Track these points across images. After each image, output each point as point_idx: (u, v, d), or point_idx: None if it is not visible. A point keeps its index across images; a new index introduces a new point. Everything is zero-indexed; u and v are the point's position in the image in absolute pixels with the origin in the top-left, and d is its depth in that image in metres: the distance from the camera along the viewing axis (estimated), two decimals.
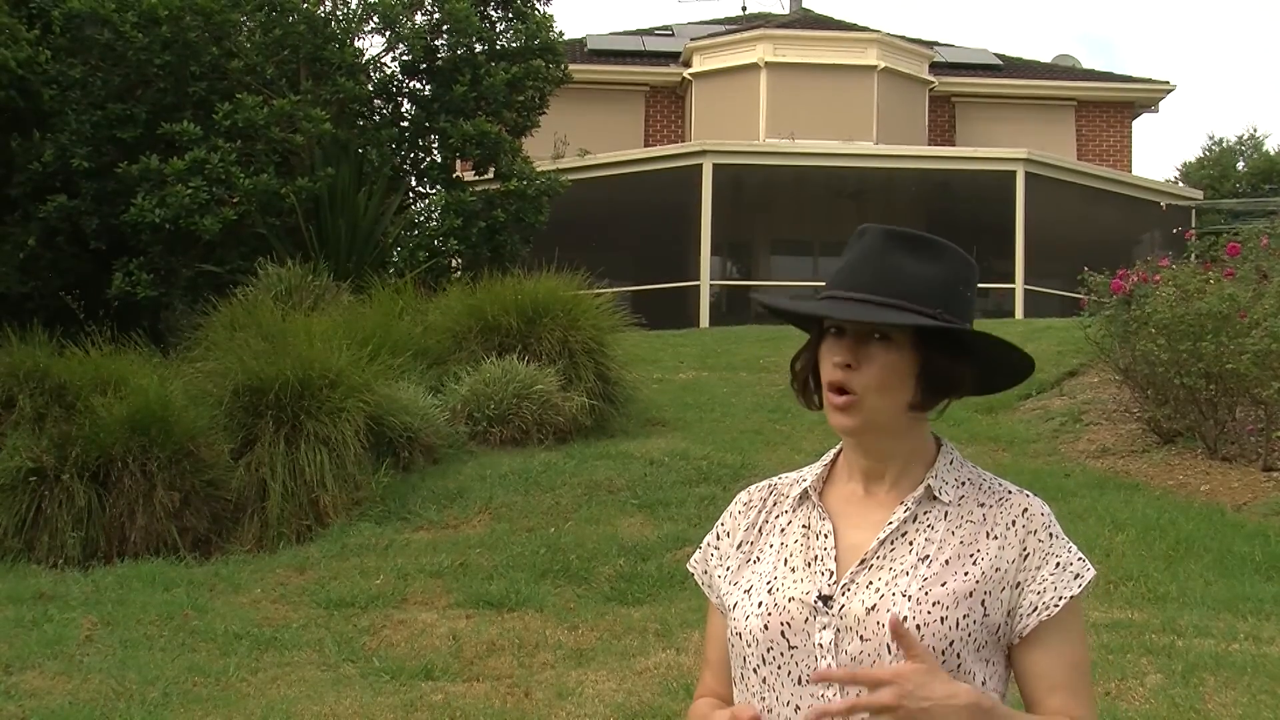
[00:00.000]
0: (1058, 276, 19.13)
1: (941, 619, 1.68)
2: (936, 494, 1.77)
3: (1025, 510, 1.77)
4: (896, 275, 1.73)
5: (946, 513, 1.77)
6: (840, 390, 1.74)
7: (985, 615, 1.71)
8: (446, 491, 8.21)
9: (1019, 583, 1.73)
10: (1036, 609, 1.72)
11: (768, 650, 1.74)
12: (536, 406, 9.22)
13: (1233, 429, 8.79)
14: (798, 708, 1.72)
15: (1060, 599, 1.72)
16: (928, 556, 1.73)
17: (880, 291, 1.73)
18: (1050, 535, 1.75)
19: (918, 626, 1.67)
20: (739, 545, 1.87)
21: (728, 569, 1.86)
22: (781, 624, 1.74)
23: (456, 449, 8.92)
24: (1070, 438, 9.74)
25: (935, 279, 1.75)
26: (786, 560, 1.79)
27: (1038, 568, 1.73)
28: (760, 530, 1.86)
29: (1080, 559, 1.75)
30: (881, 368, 1.73)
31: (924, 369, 1.74)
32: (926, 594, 1.69)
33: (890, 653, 1.67)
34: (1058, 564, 1.74)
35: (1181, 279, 9.04)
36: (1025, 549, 1.74)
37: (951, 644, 1.68)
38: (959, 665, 1.68)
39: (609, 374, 9.98)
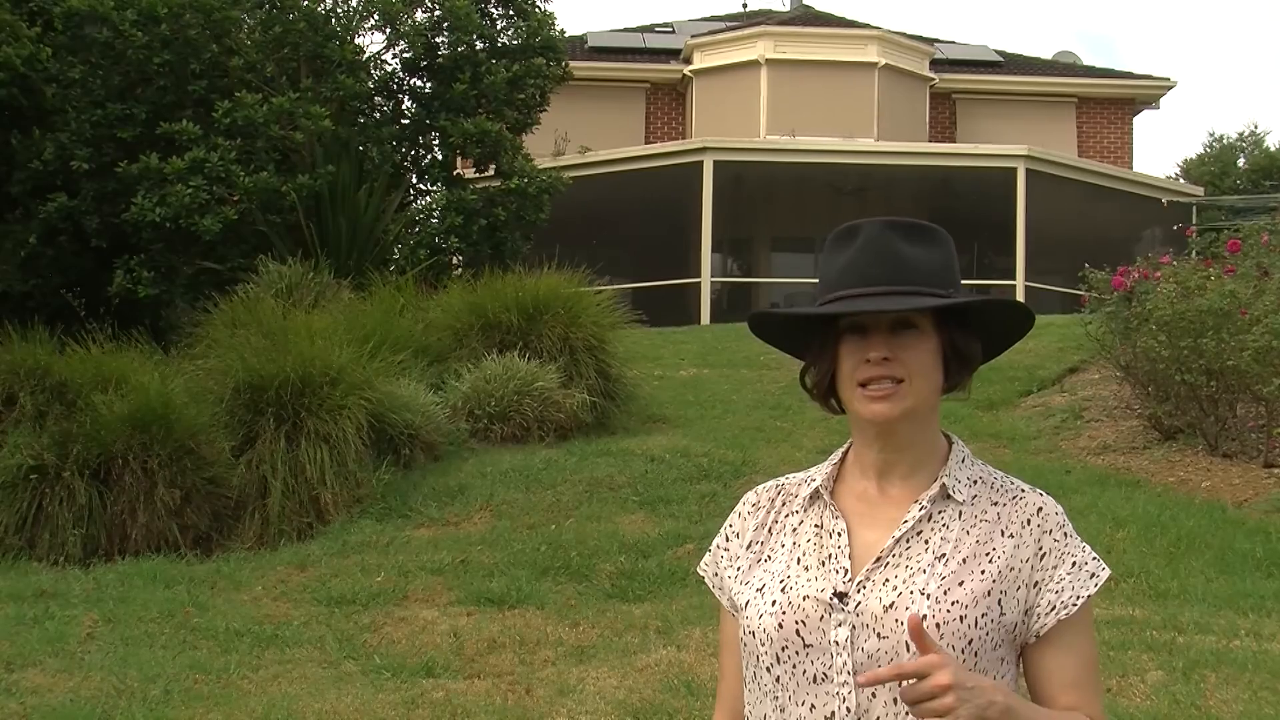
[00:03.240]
0: (1059, 273, 19.12)
1: (961, 618, 1.68)
2: (951, 493, 1.77)
3: (1040, 510, 1.77)
4: (907, 264, 1.75)
5: (961, 512, 1.77)
6: (879, 382, 1.74)
7: (1002, 614, 1.71)
8: (447, 489, 8.22)
9: (1036, 582, 1.73)
10: (1055, 608, 1.72)
11: (782, 649, 1.74)
12: (537, 404, 9.22)
13: (1233, 426, 8.79)
14: (812, 706, 1.72)
15: (1079, 598, 1.73)
16: (944, 555, 1.73)
17: (898, 281, 1.74)
18: (1065, 535, 1.76)
19: (937, 625, 1.67)
20: (748, 546, 1.86)
21: (738, 569, 1.85)
22: (796, 622, 1.73)
23: (457, 446, 8.92)
24: (1071, 434, 9.73)
25: (938, 261, 1.77)
26: (800, 559, 1.79)
27: (1054, 567, 1.74)
28: (770, 530, 1.85)
29: (1095, 558, 1.76)
30: (919, 354, 1.75)
31: (948, 349, 1.77)
32: (945, 593, 1.69)
33: (908, 651, 1.67)
34: (1074, 563, 1.74)
35: (1182, 276, 9.03)
36: (1041, 548, 1.75)
37: (970, 642, 1.68)
38: (976, 664, 1.69)
39: (610, 371, 9.98)
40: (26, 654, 5.85)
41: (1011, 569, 1.73)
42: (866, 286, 1.74)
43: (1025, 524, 1.76)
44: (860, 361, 1.75)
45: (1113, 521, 7.14)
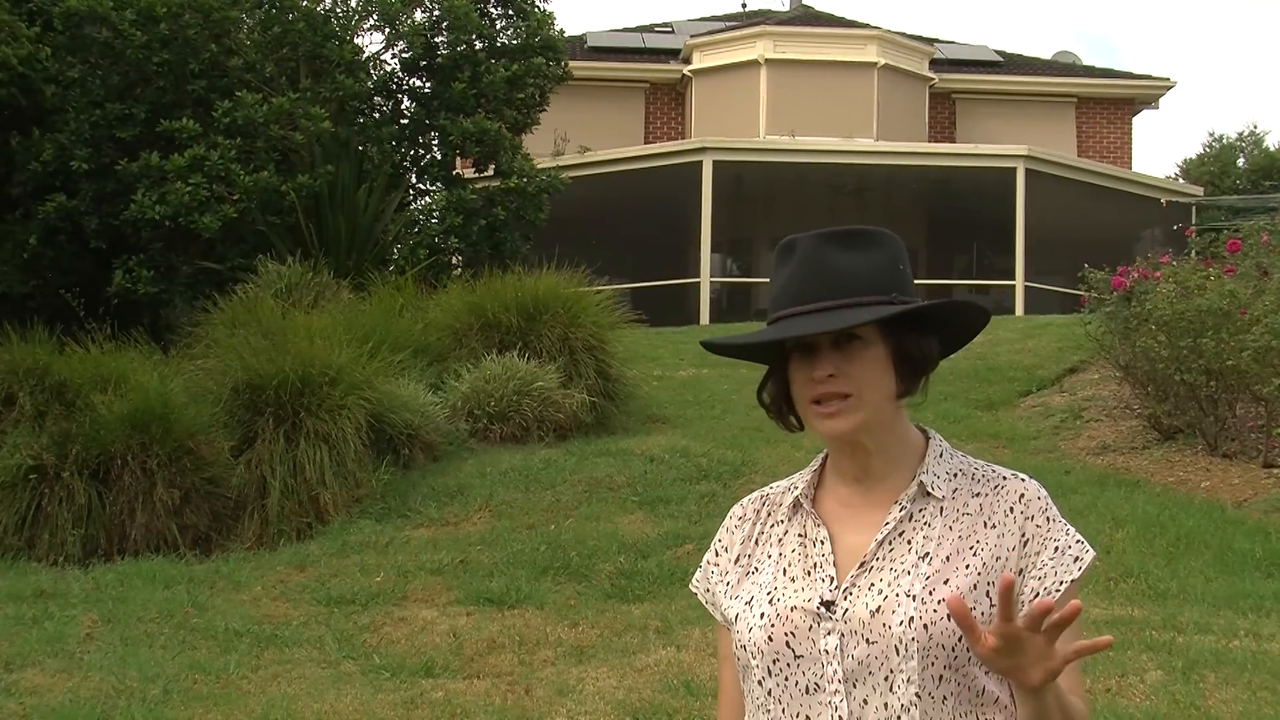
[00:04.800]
0: (1058, 273, 19.12)
1: (948, 615, 1.67)
2: (930, 489, 1.76)
3: (1022, 495, 1.76)
4: (842, 274, 1.73)
5: (942, 508, 1.76)
6: (829, 399, 1.73)
7: (991, 606, 1.69)
8: (447, 489, 8.21)
9: (1020, 569, 1.72)
10: (1038, 594, 1.71)
11: (773, 661, 1.74)
12: (537, 403, 9.22)
13: (1233, 425, 8.79)
14: (807, 718, 1.72)
15: (1061, 583, 1.71)
16: (928, 554, 1.72)
17: (833, 295, 1.72)
18: (1048, 519, 1.74)
19: (925, 625, 1.66)
20: (736, 559, 1.86)
21: (728, 584, 1.85)
22: (785, 634, 1.73)
23: (457, 446, 8.92)
24: (1070, 434, 9.74)
25: (878, 266, 1.75)
26: (785, 570, 1.79)
27: (1037, 553, 1.73)
28: (756, 542, 1.85)
29: (1078, 541, 1.74)
30: (865, 365, 1.73)
31: (897, 355, 1.75)
32: (931, 593, 1.68)
33: (898, 654, 1.67)
34: (1056, 548, 1.73)
35: (1182, 276, 9.04)
36: (1024, 534, 1.73)
37: (960, 639, 1.67)
38: (968, 658, 1.68)
39: (609, 371, 9.98)
40: (26, 654, 5.85)
41: (997, 558, 1.72)
42: (802, 304, 1.73)
43: (1008, 512, 1.75)
44: (808, 379, 1.74)
45: (1112, 521, 7.14)
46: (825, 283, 1.73)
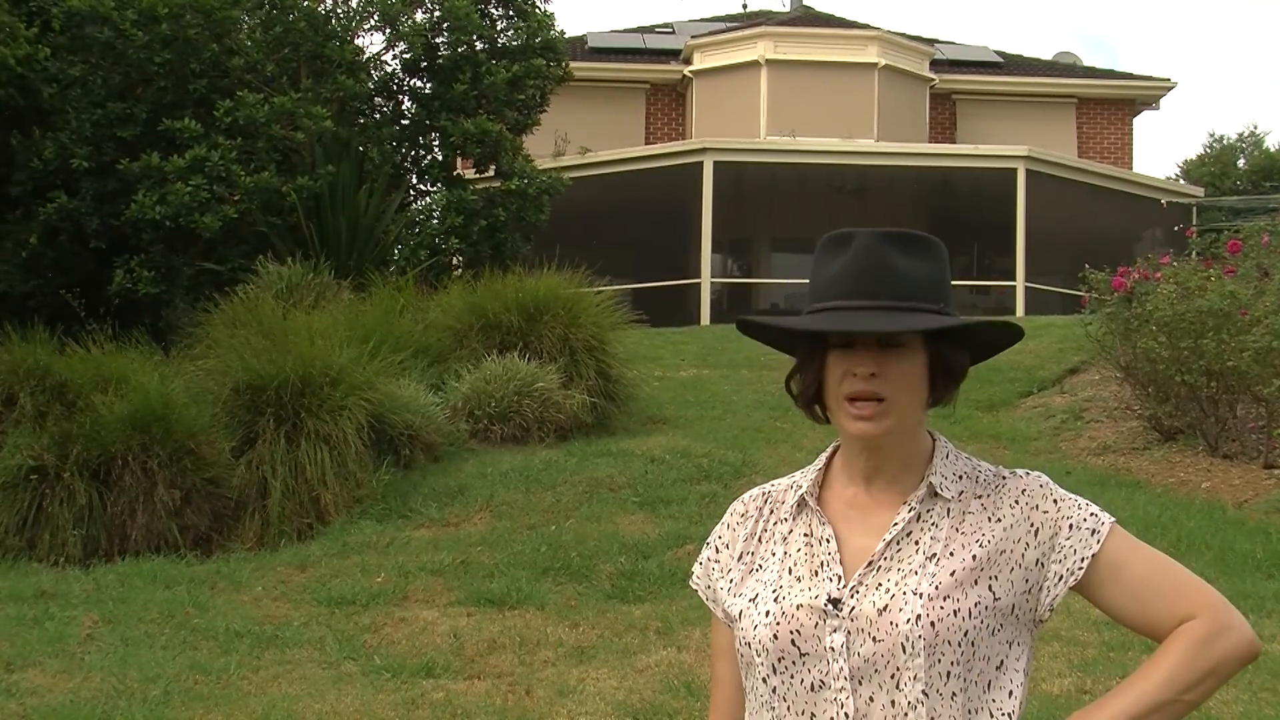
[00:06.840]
0: (1059, 274, 19.12)
1: (954, 612, 1.68)
2: (939, 490, 1.77)
3: (1024, 490, 1.77)
4: (899, 278, 1.73)
5: (949, 509, 1.77)
6: (865, 399, 1.74)
7: (996, 599, 1.71)
8: (447, 489, 8.22)
9: (1038, 560, 1.73)
10: (1062, 577, 1.73)
11: (778, 660, 1.74)
12: (537, 404, 9.22)
13: (1234, 426, 8.79)
14: (813, 715, 1.72)
15: (1082, 561, 1.72)
16: (935, 555, 1.73)
17: (888, 296, 1.72)
18: (1054, 502, 1.76)
19: (932, 624, 1.67)
20: (739, 557, 1.86)
21: (730, 581, 1.85)
22: (791, 632, 1.73)
23: (457, 447, 8.92)
24: (1071, 435, 9.74)
25: (931, 274, 1.76)
26: (791, 569, 1.79)
27: (1052, 537, 1.74)
28: (760, 539, 1.85)
29: (1093, 514, 1.75)
30: (904, 371, 1.74)
31: (935, 364, 1.76)
32: (937, 589, 1.69)
33: (904, 652, 1.67)
34: (1070, 525, 1.74)
35: (1182, 276, 9.04)
36: (1033, 524, 1.75)
37: (966, 634, 1.68)
38: (974, 652, 1.69)
39: (610, 371, 9.97)
40: (26, 654, 5.85)
41: (1001, 552, 1.73)
42: (855, 300, 1.73)
43: (1013, 506, 1.76)
44: (846, 374, 1.74)
45: None
46: (886, 282, 1.73)
